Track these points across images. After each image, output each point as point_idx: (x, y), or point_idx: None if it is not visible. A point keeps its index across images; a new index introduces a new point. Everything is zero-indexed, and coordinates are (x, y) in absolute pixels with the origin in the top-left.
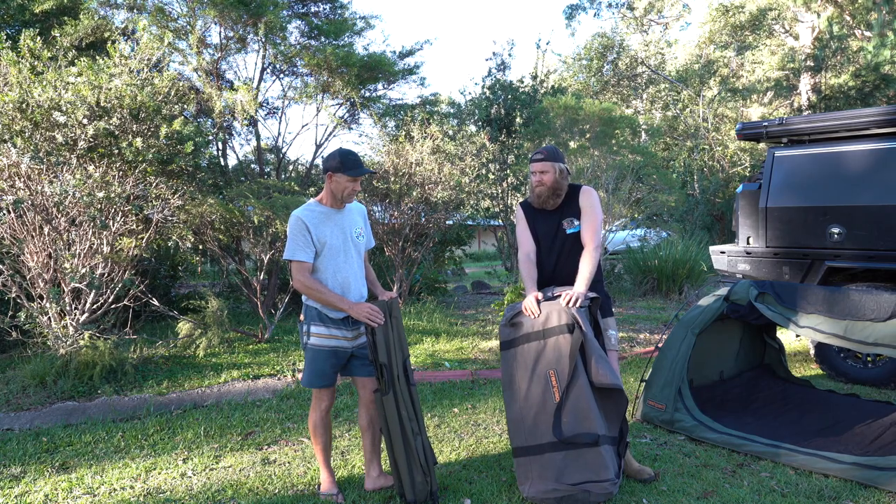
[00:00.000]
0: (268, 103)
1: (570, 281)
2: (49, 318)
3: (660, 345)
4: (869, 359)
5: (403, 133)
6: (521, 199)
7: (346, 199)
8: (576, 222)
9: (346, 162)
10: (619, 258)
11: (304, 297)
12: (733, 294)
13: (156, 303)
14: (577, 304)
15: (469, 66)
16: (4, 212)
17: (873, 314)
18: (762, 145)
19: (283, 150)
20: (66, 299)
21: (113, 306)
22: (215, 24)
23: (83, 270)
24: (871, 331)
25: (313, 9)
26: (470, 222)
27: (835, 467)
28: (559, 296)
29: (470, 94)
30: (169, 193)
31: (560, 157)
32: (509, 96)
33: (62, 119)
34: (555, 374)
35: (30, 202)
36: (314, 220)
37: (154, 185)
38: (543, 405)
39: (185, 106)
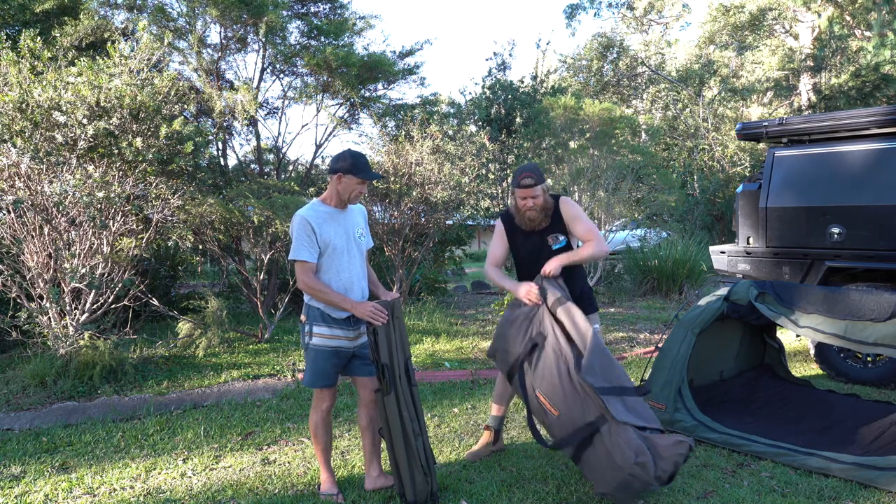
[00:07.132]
0: (268, 103)
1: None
2: (49, 318)
3: (660, 345)
4: (869, 359)
5: (403, 133)
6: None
7: (352, 201)
8: (560, 237)
9: (357, 164)
10: (619, 258)
11: (306, 298)
12: (733, 294)
13: (156, 303)
14: (552, 272)
15: (469, 66)
16: (4, 212)
17: (873, 314)
18: (762, 145)
19: (283, 150)
20: (66, 299)
21: (113, 306)
22: (215, 23)
23: (83, 270)
24: (871, 331)
25: (313, 9)
26: (470, 222)
27: (835, 467)
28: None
29: (470, 93)
30: (169, 193)
31: (543, 175)
32: (509, 96)
33: (62, 119)
34: (542, 395)
35: (30, 202)
36: (319, 220)
37: (154, 185)
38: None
39: (185, 106)
